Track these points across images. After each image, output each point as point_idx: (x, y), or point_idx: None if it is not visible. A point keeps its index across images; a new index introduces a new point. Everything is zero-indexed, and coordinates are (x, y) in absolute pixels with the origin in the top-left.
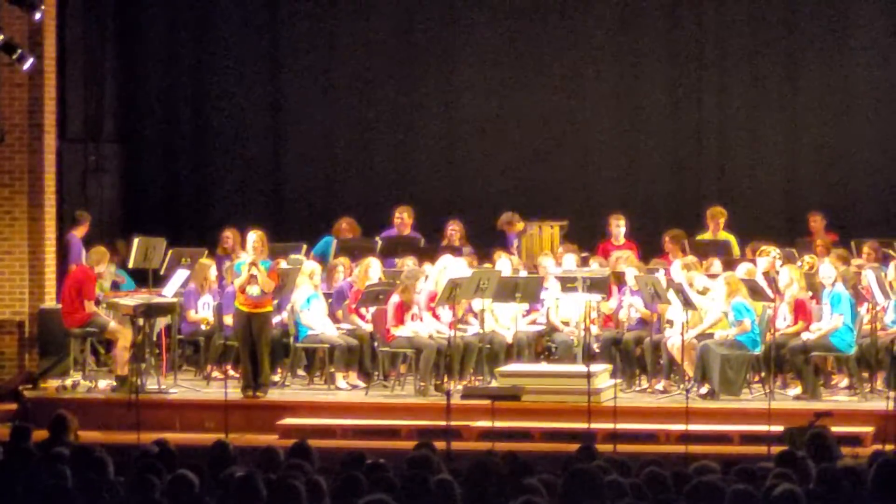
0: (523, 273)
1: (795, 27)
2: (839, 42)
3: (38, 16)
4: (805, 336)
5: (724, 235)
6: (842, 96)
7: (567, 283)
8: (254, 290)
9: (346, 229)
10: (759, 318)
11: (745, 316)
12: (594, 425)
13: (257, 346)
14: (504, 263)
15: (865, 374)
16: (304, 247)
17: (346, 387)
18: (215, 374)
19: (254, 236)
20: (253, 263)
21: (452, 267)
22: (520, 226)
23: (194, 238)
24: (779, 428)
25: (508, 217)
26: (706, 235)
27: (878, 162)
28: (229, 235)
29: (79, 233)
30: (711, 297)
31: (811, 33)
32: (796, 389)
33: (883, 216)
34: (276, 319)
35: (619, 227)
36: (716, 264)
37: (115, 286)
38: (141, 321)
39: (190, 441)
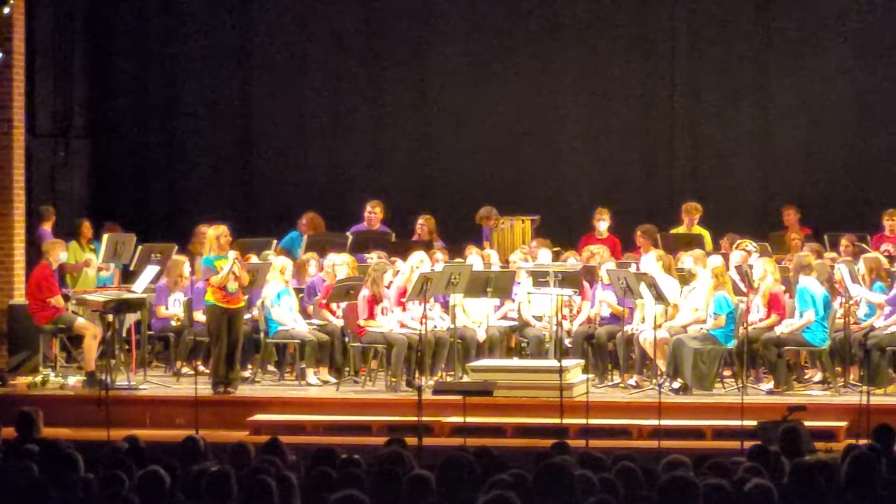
0: (496, 267)
1: (768, 23)
2: (812, 38)
3: (6, 10)
4: (778, 330)
5: (698, 230)
6: (814, 93)
7: (539, 278)
8: (233, 286)
9: (308, 224)
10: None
11: (725, 310)
12: (566, 421)
13: (236, 342)
14: (475, 258)
15: (839, 369)
16: (274, 242)
17: (317, 382)
18: (185, 370)
19: (223, 230)
20: (237, 259)
21: (427, 263)
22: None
23: (164, 233)
24: (752, 422)
25: (487, 211)
26: (680, 229)
27: (849, 158)
28: (204, 232)
29: (47, 227)
30: (693, 285)
31: (784, 29)
32: (769, 384)
33: (854, 212)
34: (246, 316)
35: (601, 221)
36: (686, 260)
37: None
38: (110, 317)
39: (160, 437)
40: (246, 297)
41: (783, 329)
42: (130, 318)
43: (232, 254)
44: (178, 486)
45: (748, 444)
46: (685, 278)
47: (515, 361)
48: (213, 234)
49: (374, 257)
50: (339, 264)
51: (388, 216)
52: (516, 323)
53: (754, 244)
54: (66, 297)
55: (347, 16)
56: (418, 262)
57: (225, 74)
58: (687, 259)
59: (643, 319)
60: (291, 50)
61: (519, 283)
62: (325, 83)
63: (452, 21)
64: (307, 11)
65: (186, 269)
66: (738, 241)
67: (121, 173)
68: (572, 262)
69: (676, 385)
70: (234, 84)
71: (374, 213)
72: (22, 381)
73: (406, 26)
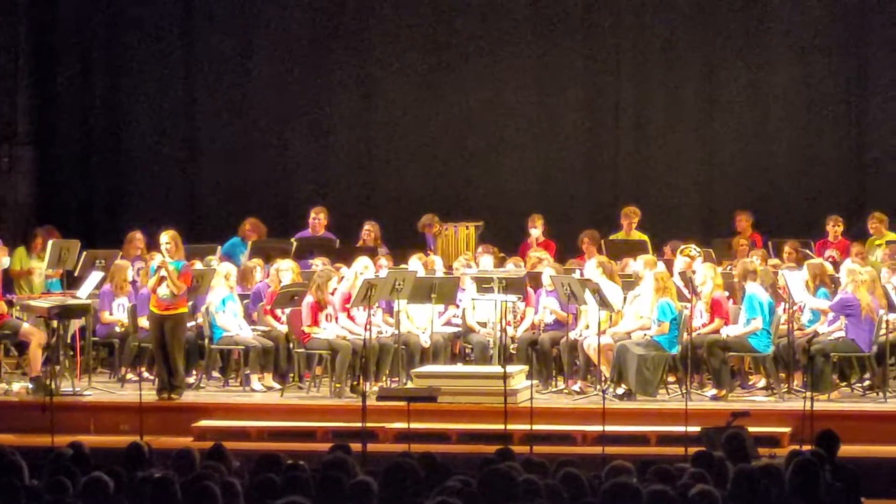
0: (440, 274)
1: (713, 28)
2: (757, 43)
3: None
4: (724, 332)
5: (637, 235)
6: (759, 100)
7: (483, 284)
8: (163, 291)
9: (251, 230)
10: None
11: (669, 317)
12: (510, 426)
13: (170, 348)
14: (416, 264)
15: (783, 375)
16: (218, 248)
17: (262, 388)
18: (130, 376)
19: (165, 237)
20: (162, 265)
21: (371, 269)
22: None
23: (109, 240)
24: (696, 428)
25: (429, 219)
26: (619, 235)
27: (794, 164)
28: (140, 237)
29: None
30: (637, 291)
31: (729, 33)
32: (713, 390)
33: (799, 218)
34: (190, 323)
35: (533, 228)
36: (631, 264)
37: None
38: (55, 323)
39: (105, 443)
40: (190, 303)
41: (728, 331)
42: (75, 324)
43: (158, 258)
44: (123, 492)
45: (692, 449)
46: (631, 284)
47: (459, 367)
48: (161, 239)
49: (318, 264)
50: (284, 270)
51: (333, 222)
52: (460, 329)
53: (698, 249)
54: (10, 303)
55: (292, 25)
56: (362, 269)
57: (169, 82)
58: (636, 263)
59: (587, 325)
60: (235, 58)
61: (463, 289)
62: (270, 89)
63: (395, 29)
64: (252, 20)
65: (130, 274)
66: (683, 247)
67: (65, 180)
68: (511, 267)
69: (620, 391)
70: (178, 91)
71: (318, 220)
72: None
73: (349, 33)
